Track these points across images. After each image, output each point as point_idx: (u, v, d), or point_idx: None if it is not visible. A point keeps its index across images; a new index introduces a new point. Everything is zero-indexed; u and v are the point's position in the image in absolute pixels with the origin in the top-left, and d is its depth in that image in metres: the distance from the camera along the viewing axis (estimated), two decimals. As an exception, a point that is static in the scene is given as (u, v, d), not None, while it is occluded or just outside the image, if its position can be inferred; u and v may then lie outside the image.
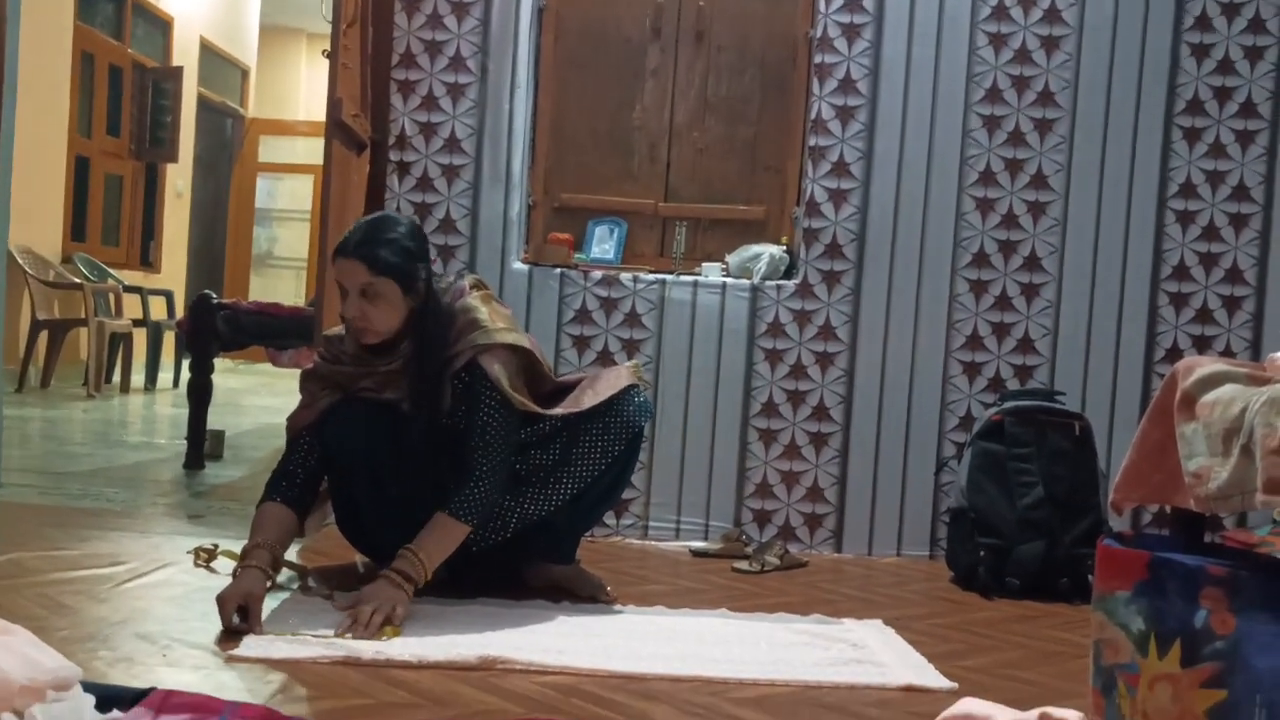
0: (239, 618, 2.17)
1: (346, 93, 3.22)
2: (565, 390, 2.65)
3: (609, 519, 3.37)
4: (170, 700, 1.61)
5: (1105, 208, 3.45)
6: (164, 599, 2.39)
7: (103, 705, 1.57)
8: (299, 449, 2.52)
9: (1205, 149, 3.44)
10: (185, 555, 2.71)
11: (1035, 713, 1.40)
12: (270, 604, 2.37)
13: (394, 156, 3.49)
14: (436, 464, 2.52)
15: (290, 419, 2.58)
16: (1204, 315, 3.45)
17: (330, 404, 2.52)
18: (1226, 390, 1.46)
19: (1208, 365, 1.54)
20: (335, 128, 3.15)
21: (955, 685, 2.09)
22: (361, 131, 3.40)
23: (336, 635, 2.14)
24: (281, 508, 2.45)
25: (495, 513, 2.53)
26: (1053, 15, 3.44)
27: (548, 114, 3.68)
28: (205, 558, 2.68)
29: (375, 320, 2.42)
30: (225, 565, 2.65)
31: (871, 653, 2.29)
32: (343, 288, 2.43)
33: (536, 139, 3.65)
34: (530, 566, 2.70)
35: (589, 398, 2.58)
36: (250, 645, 2.06)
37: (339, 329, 2.59)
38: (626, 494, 3.29)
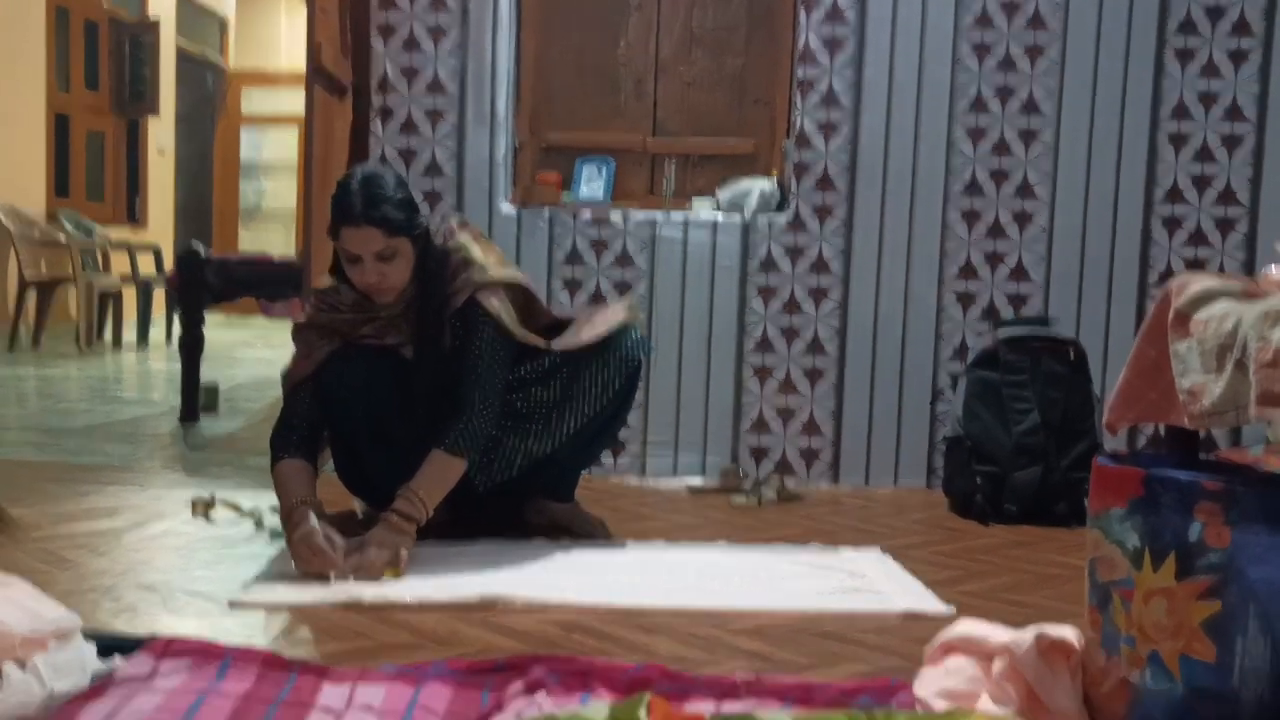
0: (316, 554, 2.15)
1: (326, 37, 3.17)
2: (561, 326, 2.65)
3: (607, 458, 3.38)
4: (172, 647, 1.62)
5: (1097, 132, 3.42)
6: (165, 550, 2.40)
7: (104, 653, 1.58)
8: (299, 402, 2.50)
9: (1198, 69, 3.40)
10: (184, 507, 2.72)
11: (1032, 631, 1.41)
12: (269, 551, 2.38)
13: (377, 101, 3.44)
14: (439, 408, 2.52)
15: (287, 371, 2.55)
16: (1198, 238, 3.44)
17: (328, 352, 2.50)
18: (1220, 306, 1.45)
19: (1201, 282, 1.53)
20: (316, 73, 3.11)
21: (953, 610, 2.11)
22: (343, 76, 3.36)
23: (338, 579, 2.15)
24: (297, 462, 2.42)
25: (499, 450, 2.54)
26: (1041, -63, 3.38)
27: (531, 52, 3.63)
28: (203, 509, 2.69)
29: (394, 279, 2.40)
30: (223, 516, 2.67)
31: (870, 581, 2.31)
32: (352, 254, 2.38)
33: (520, 78, 3.61)
34: (530, 504, 2.71)
35: (587, 331, 2.58)
36: (253, 591, 2.07)
37: (329, 280, 2.57)
38: (623, 433, 3.30)
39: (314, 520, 2.23)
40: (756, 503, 3.10)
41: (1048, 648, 1.38)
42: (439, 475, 2.38)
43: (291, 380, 2.53)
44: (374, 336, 2.50)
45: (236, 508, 2.70)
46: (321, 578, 2.15)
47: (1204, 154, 3.42)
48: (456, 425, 2.39)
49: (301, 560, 2.18)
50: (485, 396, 2.42)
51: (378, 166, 2.51)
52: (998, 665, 1.40)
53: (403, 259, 2.40)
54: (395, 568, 2.21)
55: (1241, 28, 3.39)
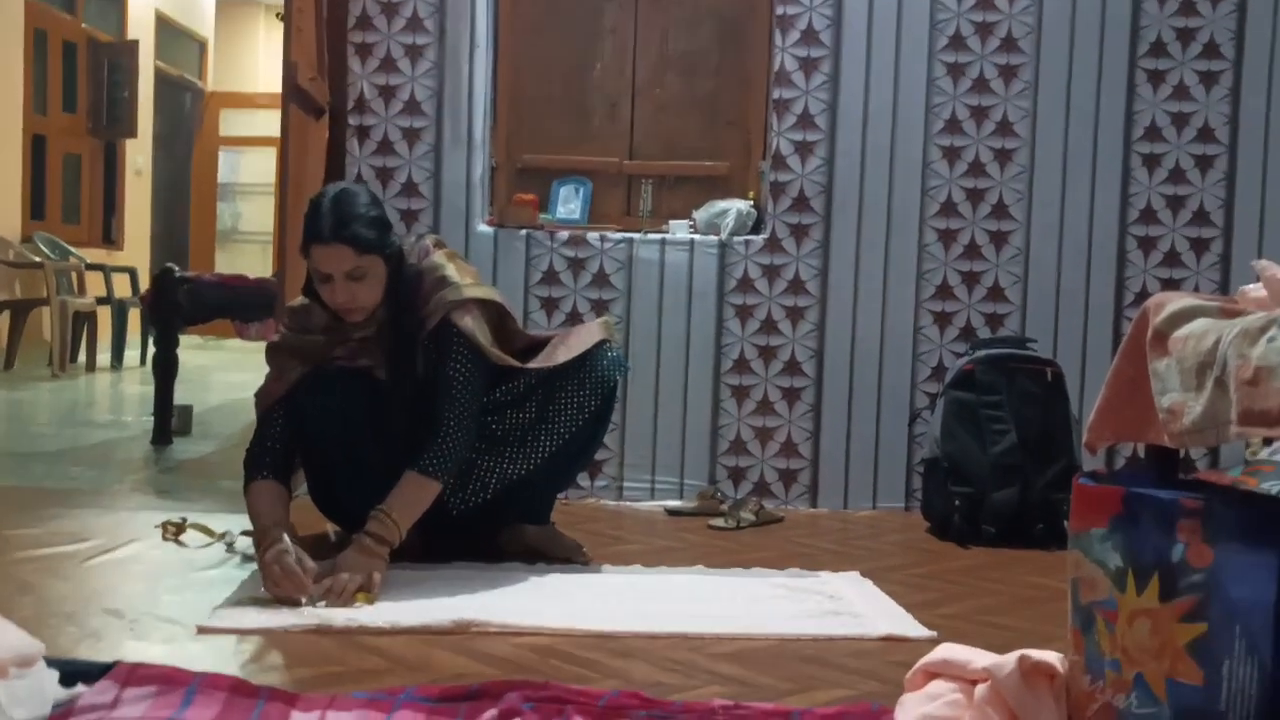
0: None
1: (302, 57, 3.15)
2: (537, 347, 2.62)
3: (583, 480, 3.35)
4: (137, 673, 1.58)
5: (1071, 153, 3.43)
6: (132, 574, 2.35)
7: (67, 680, 1.54)
8: (272, 423, 2.48)
9: (1169, 91, 3.43)
10: (153, 530, 2.68)
11: (1015, 655, 1.39)
12: (240, 574, 2.34)
13: (353, 121, 3.42)
14: (414, 431, 2.49)
15: (260, 392, 2.53)
16: (1172, 258, 3.45)
17: (301, 374, 2.47)
18: (1198, 324, 1.44)
19: (1179, 300, 1.53)
20: (292, 92, 3.09)
21: (934, 634, 2.09)
22: (319, 96, 3.33)
23: (309, 604, 2.11)
24: (272, 483, 2.40)
25: (473, 473, 2.51)
26: (1015, -40, 3.40)
27: (508, 75, 3.63)
28: (173, 532, 2.65)
29: (364, 299, 2.38)
30: (194, 539, 2.63)
31: (849, 604, 2.29)
32: (322, 274, 2.36)
33: (497, 100, 3.60)
34: (505, 528, 2.68)
35: (562, 353, 2.56)
36: (221, 616, 2.03)
37: (301, 300, 2.54)
38: (600, 455, 3.27)
39: (286, 542, 2.19)
40: (734, 525, 3.08)
41: (1030, 671, 1.36)
42: (413, 497, 2.34)
43: (264, 402, 2.50)
44: (346, 358, 2.47)
45: (207, 531, 2.65)
46: (292, 602, 2.11)
47: (1177, 175, 3.44)
48: (431, 447, 2.36)
49: (272, 583, 2.14)
50: (460, 418, 2.39)
51: (352, 185, 2.49)
52: (980, 690, 1.38)
53: (374, 278, 2.37)
54: (368, 593, 2.17)
55: (1211, 50, 3.42)
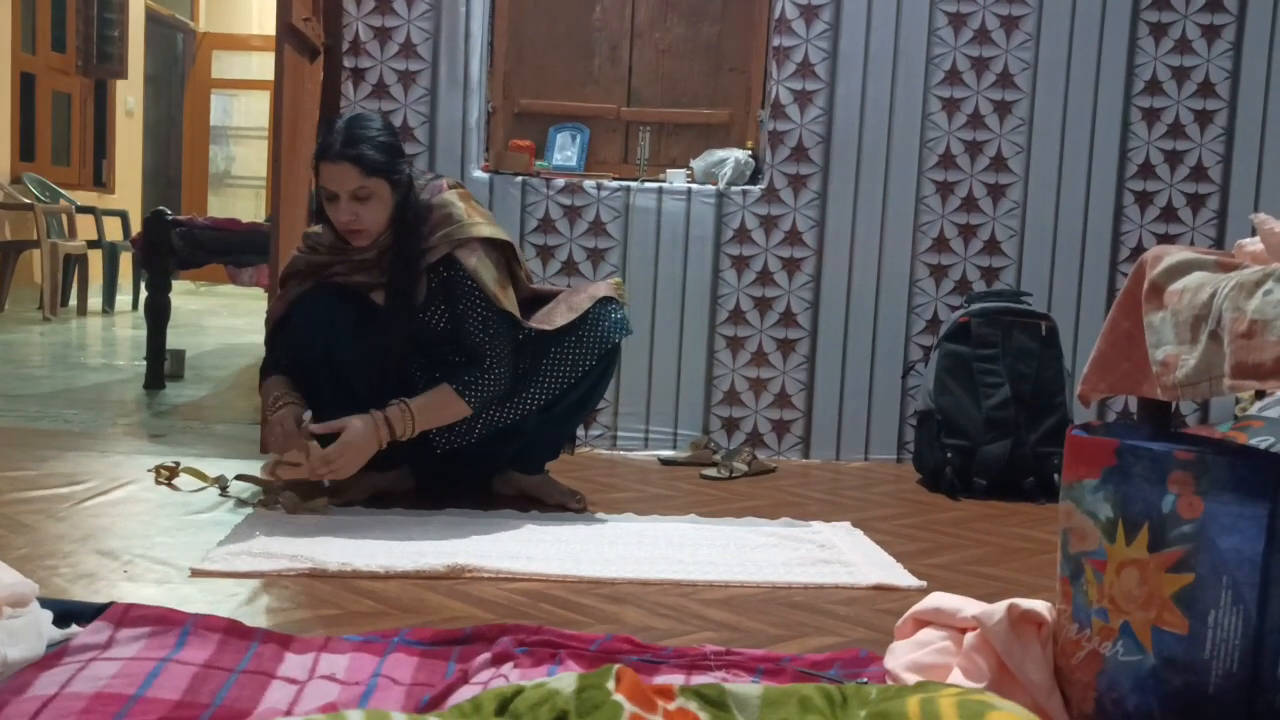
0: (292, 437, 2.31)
1: (296, -4, 3.11)
2: (541, 300, 2.62)
3: (579, 430, 3.35)
4: (130, 614, 1.59)
5: (1071, 106, 3.41)
6: (125, 516, 2.36)
7: (61, 620, 1.55)
8: (278, 342, 2.56)
9: (1171, 45, 3.40)
10: (146, 473, 2.68)
11: (1003, 604, 1.40)
12: (234, 519, 2.35)
13: (348, 63, 3.38)
14: (406, 361, 2.51)
15: (268, 312, 2.64)
16: (1169, 214, 3.44)
17: (298, 293, 2.50)
18: (1194, 278, 1.44)
19: (1176, 254, 1.52)
20: (286, 32, 3.04)
21: (924, 583, 2.10)
22: (314, 37, 3.29)
23: (284, 458, 2.25)
24: (280, 376, 2.50)
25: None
26: (1020, -92, 3.36)
27: (505, 16, 3.58)
28: (167, 475, 2.65)
29: (368, 221, 2.40)
30: (187, 483, 2.63)
31: (840, 553, 2.30)
32: (329, 192, 2.39)
33: (494, 42, 3.56)
34: (499, 475, 2.69)
35: (562, 313, 2.55)
36: (215, 559, 2.03)
37: (317, 228, 2.56)
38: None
39: (294, 407, 2.34)
40: (727, 475, 3.09)
41: (1019, 620, 1.37)
42: (439, 405, 2.41)
43: (270, 321, 2.59)
44: (343, 274, 2.48)
45: (201, 475, 2.66)
46: (293, 465, 2.23)
47: (1176, 130, 3.42)
48: (472, 371, 2.42)
49: (275, 444, 2.27)
50: (499, 354, 2.45)
51: (369, 111, 2.52)
52: (969, 638, 1.40)
53: (379, 201, 2.39)
54: (325, 500, 2.29)
55: (1215, 3, 3.38)
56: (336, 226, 2.43)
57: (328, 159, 2.37)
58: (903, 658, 1.47)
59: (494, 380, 2.43)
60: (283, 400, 2.41)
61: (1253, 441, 2.54)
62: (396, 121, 3.38)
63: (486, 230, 2.47)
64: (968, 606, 1.45)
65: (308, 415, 2.37)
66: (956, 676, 1.38)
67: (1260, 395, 2.88)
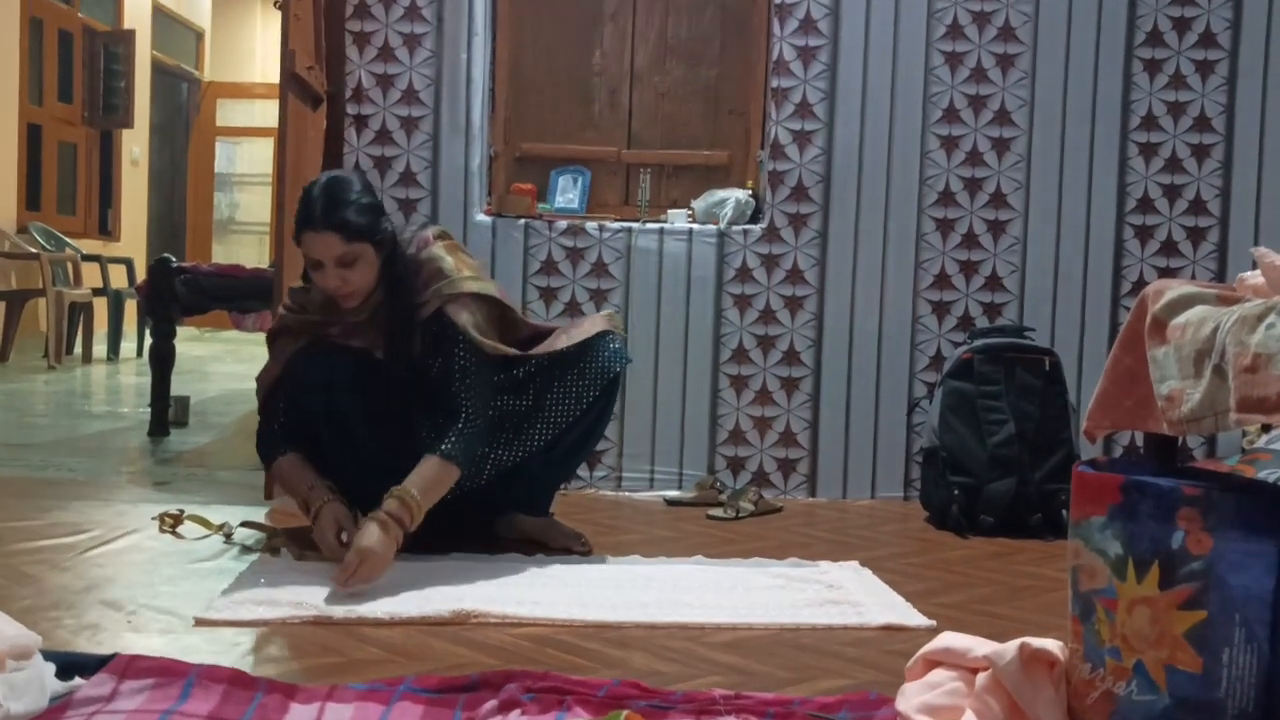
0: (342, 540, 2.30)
1: (300, 45, 3.14)
2: (540, 337, 2.62)
3: (582, 471, 3.35)
4: (134, 665, 1.58)
5: (1069, 142, 3.43)
6: (129, 565, 2.35)
7: (65, 673, 1.54)
8: (275, 405, 2.51)
9: (1166, 80, 3.42)
10: (150, 521, 2.67)
11: (1015, 644, 1.39)
12: (238, 566, 2.34)
13: (351, 110, 3.41)
14: (408, 413, 2.50)
15: (260, 376, 2.56)
16: (1169, 248, 3.45)
17: (294, 351, 2.49)
18: (1197, 312, 1.44)
19: (1177, 288, 1.52)
20: (290, 80, 3.07)
21: (933, 623, 2.09)
22: (317, 85, 3.32)
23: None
24: (292, 456, 2.47)
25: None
26: (1014, -52, 3.39)
27: (506, 62, 3.61)
28: (171, 523, 2.65)
29: (357, 283, 2.39)
30: (192, 530, 2.62)
31: (848, 593, 2.29)
32: (314, 260, 2.37)
33: (496, 88, 3.59)
34: (503, 518, 2.68)
35: (563, 342, 2.55)
36: (219, 607, 2.02)
37: (302, 283, 2.56)
38: (599, 445, 3.27)
39: (334, 506, 2.35)
40: (733, 515, 3.08)
41: (1030, 659, 1.36)
42: (433, 479, 2.35)
43: (264, 385, 2.54)
44: (340, 337, 2.49)
45: (205, 522, 2.65)
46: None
47: (1173, 164, 3.44)
48: (451, 431, 2.37)
49: (326, 548, 2.32)
50: (477, 406, 2.41)
51: (345, 172, 2.51)
52: (981, 679, 1.38)
53: (365, 264, 2.38)
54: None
55: (1207, 39, 3.41)
56: (326, 293, 2.42)
57: (309, 229, 2.34)
58: (914, 699, 1.45)
59: (473, 432, 2.39)
60: (320, 499, 2.37)
61: (1260, 475, 2.53)
62: (399, 167, 3.40)
63: (476, 285, 2.47)
64: (978, 646, 1.44)
65: (346, 527, 2.34)
66: (969, 718, 1.37)
67: (1267, 428, 2.87)
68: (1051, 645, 1.39)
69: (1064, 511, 2.92)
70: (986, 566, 2.63)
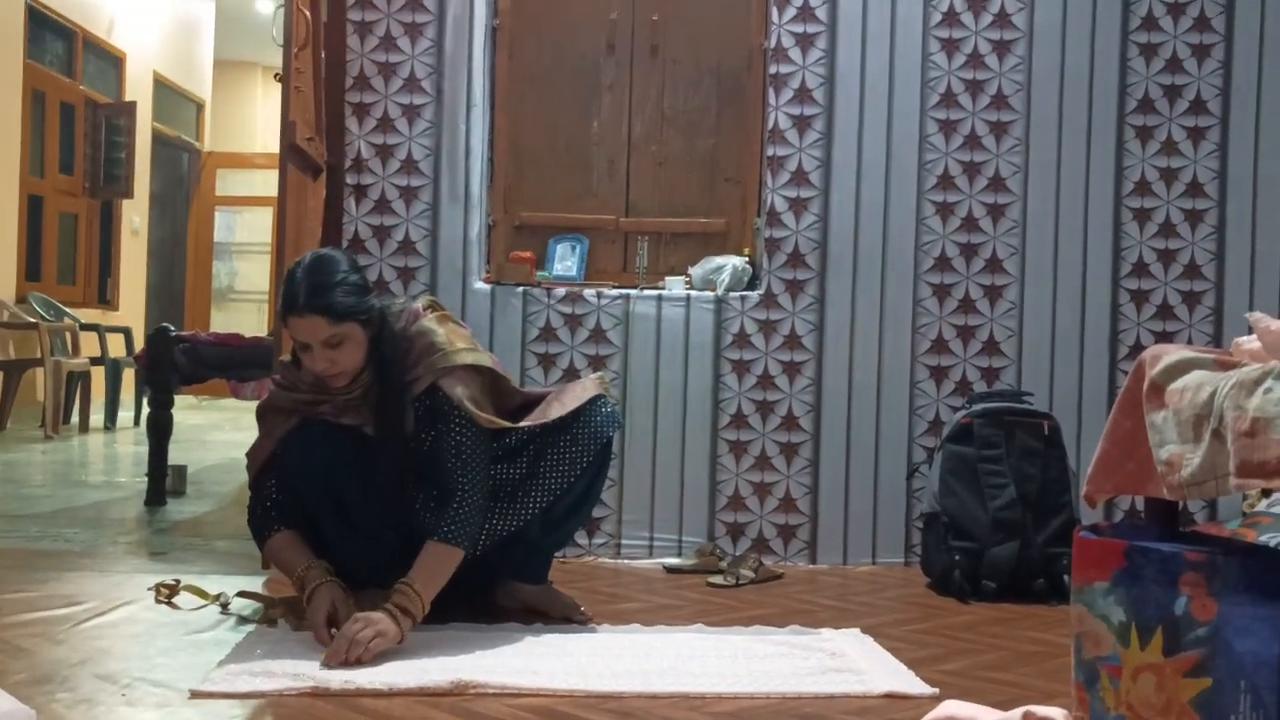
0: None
1: (300, 116, 3.18)
2: (532, 404, 2.62)
3: (581, 538, 3.33)
4: (130, 739, 1.56)
5: (1063, 208, 3.46)
6: (125, 637, 2.32)
7: (59, 747, 1.52)
8: (266, 483, 2.49)
9: (1158, 147, 3.47)
10: (146, 592, 2.65)
11: (1019, 711, 1.37)
12: (235, 637, 2.32)
13: (351, 180, 3.45)
14: (403, 489, 2.48)
15: (250, 452, 2.53)
16: (1165, 311, 3.47)
17: (287, 429, 2.48)
18: (1194, 376, 1.45)
19: (1174, 353, 1.53)
20: (289, 151, 3.11)
21: (936, 690, 2.07)
22: (316, 155, 3.36)
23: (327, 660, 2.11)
24: (286, 534, 2.45)
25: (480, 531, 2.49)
26: (1003, 20, 3.46)
27: (505, 132, 3.66)
28: (167, 594, 2.62)
29: (344, 363, 2.38)
30: (188, 600, 2.60)
31: (850, 661, 2.27)
32: (301, 342, 2.36)
33: (494, 158, 3.63)
34: (501, 586, 2.66)
35: (555, 409, 2.55)
36: (215, 680, 2.00)
37: (289, 359, 2.55)
38: (598, 512, 3.26)
39: (329, 585, 2.32)
40: (734, 582, 3.06)
41: (1034, 728, 1.35)
42: (436, 566, 2.33)
43: (255, 461, 2.52)
44: (332, 415, 2.47)
45: (201, 593, 2.63)
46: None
47: (1167, 229, 3.47)
48: (447, 513, 2.35)
49: (316, 631, 2.27)
50: (473, 483, 2.39)
51: (329, 251, 2.50)
52: (985, 747, 1.37)
53: (353, 344, 2.36)
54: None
55: (1198, 106, 3.46)
56: (315, 374, 2.42)
57: (294, 313, 2.32)
58: (918, 770, 1.43)
59: (470, 509, 2.37)
60: (315, 579, 2.35)
61: (1262, 538, 2.52)
62: (398, 236, 3.43)
63: (471, 357, 2.46)
64: (983, 714, 1.42)
65: (341, 609, 2.31)
66: (974, 789, 1.35)
67: (1267, 492, 2.87)
68: (1056, 714, 1.38)
69: (1066, 576, 2.90)
70: (989, 632, 2.60)
